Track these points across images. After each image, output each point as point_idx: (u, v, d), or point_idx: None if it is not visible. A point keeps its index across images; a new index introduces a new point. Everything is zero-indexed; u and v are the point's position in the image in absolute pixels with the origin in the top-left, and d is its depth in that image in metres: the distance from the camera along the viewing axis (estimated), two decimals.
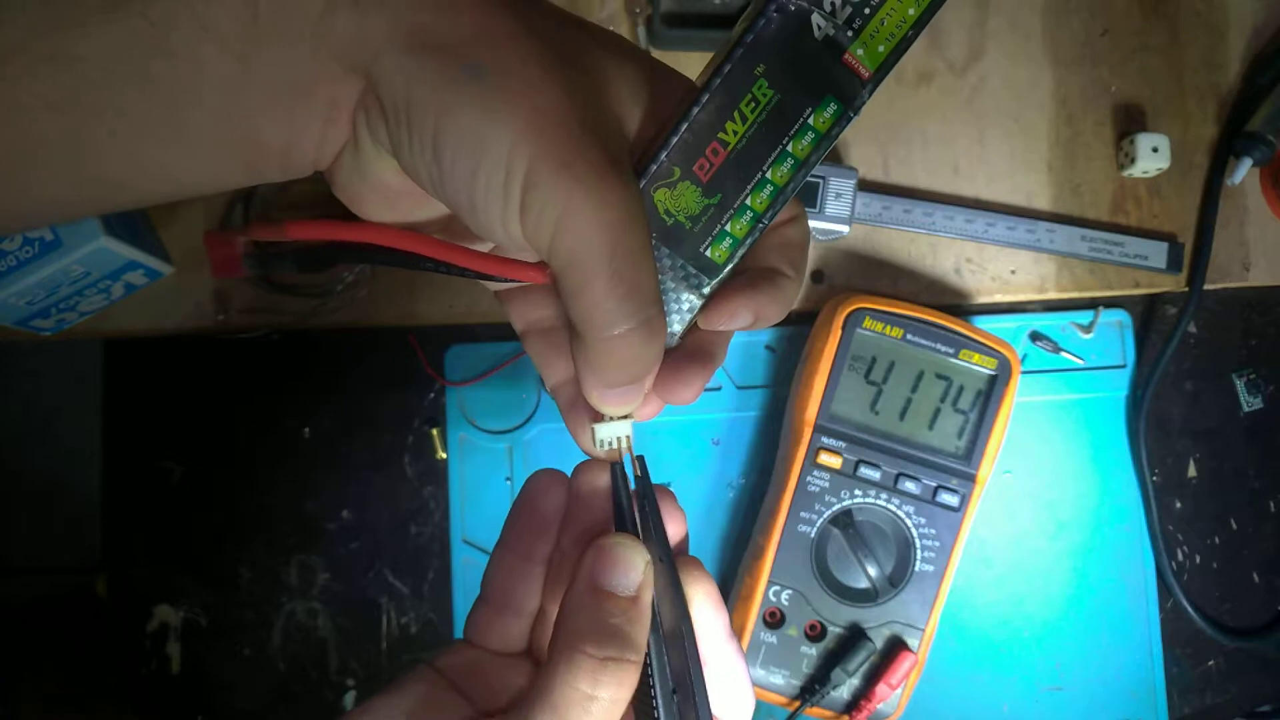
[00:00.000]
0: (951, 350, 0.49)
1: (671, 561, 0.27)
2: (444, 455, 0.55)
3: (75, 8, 0.22)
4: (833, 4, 0.25)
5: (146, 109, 0.23)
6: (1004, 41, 0.56)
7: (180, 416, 0.55)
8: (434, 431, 0.55)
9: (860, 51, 0.26)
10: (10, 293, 0.46)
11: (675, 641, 0.26)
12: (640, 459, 0.28)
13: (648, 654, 0.25)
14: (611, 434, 0.28)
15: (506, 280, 0.27)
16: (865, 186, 0.55)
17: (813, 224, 0.53)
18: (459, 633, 0.54)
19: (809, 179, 0.52)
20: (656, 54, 0.53)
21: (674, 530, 0.29)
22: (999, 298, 0.56)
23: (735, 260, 0.28)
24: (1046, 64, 0.56)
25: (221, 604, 0.55)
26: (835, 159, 0.56)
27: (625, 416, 0.28)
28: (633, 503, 0.28)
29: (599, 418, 0.28)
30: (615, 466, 0.28)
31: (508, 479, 0.55)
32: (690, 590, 0.27)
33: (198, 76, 0.23)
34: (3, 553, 0.59)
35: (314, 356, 0.56)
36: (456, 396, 0.55)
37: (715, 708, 0.27)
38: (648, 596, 0.25)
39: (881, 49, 0.26)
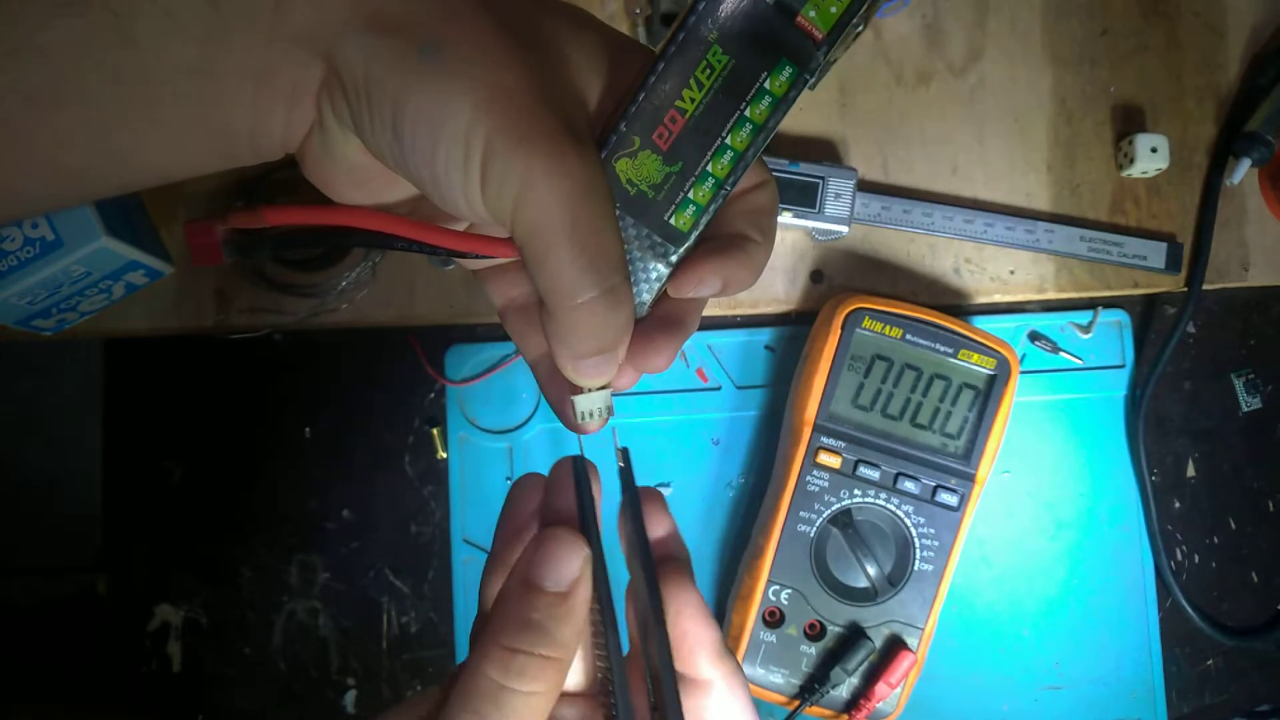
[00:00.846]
0: (950, 350, 0.49)
1: (651, 567, 0.25)
2: (444, 455, 0.55)
3: (37, 2, 0.22)
4: None
5: (116, 98, 0.24)
6: (1004, 41, 0.56)
7: (180, 416, 0.56)
8: (434, 431, 0.55)
9: (813, 13, 0.26)
10: (11, 293, 0.46)
11: (649, 658, 0.24)
12: (624, 451, 0.28)
13: (611, 682, 0.24)
14: (590, 405, 0.28)
15: (481, 257, 0.27)
16: (864, 186, 0.55)
17: (812, 224, 0.53)
18: (460, 632, 0.54)
19: (808, 179, 0.52)
20: None
21: (657, 531, 0.28)
22: (998, 298, 0.56)
23: (700, 227, 0.28)
24: (1046, 64, 0.56)
25: (222, 603, 0.55)
26: (834, 159, 0.56)
27: (603, 387, 0.28)
28: (593, 499, 0.26)
29: (577, 390, 0.28)
30: (577, 461, 0.27)
31: (508, 479, 0.55)
32: (670, 603, 0.25)
33: (161, 65, 0.23)
34: (3, 553, 0.59)
35: (314, 356, 0.56)
36: (456, 396, 0.55)
37: None
38: (582, 593, 0.24)
39: (834, 10, 0.26)
